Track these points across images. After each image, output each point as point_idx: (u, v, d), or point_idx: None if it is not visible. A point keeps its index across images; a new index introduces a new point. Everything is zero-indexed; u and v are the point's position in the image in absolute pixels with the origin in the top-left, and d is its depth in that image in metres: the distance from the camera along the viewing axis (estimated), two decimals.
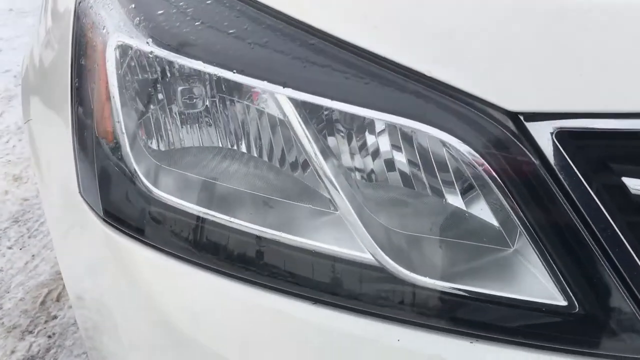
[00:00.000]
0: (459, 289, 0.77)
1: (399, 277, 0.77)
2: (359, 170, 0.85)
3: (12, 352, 2.31)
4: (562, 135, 0.71)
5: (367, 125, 0.83)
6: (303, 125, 0.79)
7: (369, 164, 0.86)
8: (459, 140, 0.73)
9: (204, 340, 0.88)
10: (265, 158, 0.92)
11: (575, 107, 0.69)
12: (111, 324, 1.00)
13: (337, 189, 0.79)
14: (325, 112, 0.84)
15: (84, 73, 0.97)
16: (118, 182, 0.91)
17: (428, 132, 0.74)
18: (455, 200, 0.84)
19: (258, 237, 0.84)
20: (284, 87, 0.79)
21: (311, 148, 0.79)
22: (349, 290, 0.79)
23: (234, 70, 0.81)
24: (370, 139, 0.85)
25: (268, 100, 0.85)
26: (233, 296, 0.86)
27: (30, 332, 2.42)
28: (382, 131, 0.83)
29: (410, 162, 0.84)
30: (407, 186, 0.86)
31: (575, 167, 0.71)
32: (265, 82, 0.80)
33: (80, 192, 0.97)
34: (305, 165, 0.88)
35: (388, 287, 0.78)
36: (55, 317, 2.49)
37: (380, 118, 0.75)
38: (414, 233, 0.80)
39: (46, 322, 2.48)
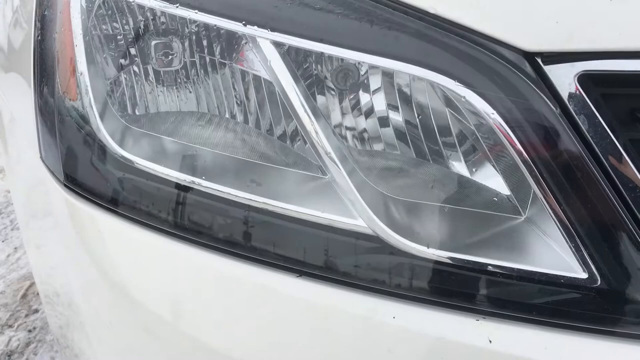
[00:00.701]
0: (464, 260, 0.67)
1: (396, 247, 0.67)
2: (350, 129, 0.76)
3: None
4: (586, 80, 0.61)
5: (361, 81, 0.73)
6: (290, 77, 0.69)
7: (362, 123, 0.77)
8: (464, 87, 0.63)
9: (184, 326, 0.77)
10: (249, 122, 0.82)
11: (603, 45, 0.59)
12: (75, 314, 0.90)
13: (326, 151, 0.69)
14: (312, 67, 0.74)
15: (46, 23, 0.87)
16: (82, 145, 0.81)
17: (432, 79, 0.65)
18: (459, 165, 0.74)
19: (240, 205, 0.74)
20: (269, 31, 0.69)
21: (299, 104, 0.69)
22: (338, 261, 0.69)
23: (210, 11, 0.71)
24: (364, 97, 0.76)
25: (251, 51, 0.75)
26: (216, 270, 0.75)
27: (10, 326, 2.33)
28: (378, 88, 0.74)
29: (408, 122, 0.75)
30: (404, 150, 0.76)
31: (601, 117, 0.61)
32: (243, 25, 0.70)
33: (41, 156, 0.86)
34: (293, 128, 0.78)
35: (383, 259, 0.68)
36: (36, 310, 2.39)
37: (374, 63, 0.65)
38: (413, 200, 0.70)
39: (27, 315, 2.38)
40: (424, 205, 0.71)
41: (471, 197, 0.73)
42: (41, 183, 0.88)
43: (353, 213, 0.70)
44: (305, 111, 0.70)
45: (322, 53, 0.68)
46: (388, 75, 0.72)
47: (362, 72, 0.75)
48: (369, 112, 0.77)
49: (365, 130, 0.78)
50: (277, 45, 0.71)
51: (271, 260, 0.70)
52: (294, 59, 0.73)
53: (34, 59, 0.89)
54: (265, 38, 0.70)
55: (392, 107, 0.75)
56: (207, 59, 0.83)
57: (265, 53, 0.71)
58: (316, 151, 0.72)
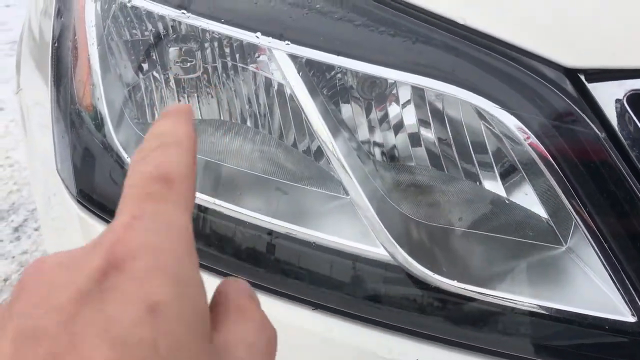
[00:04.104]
0: (496, 297, 0.60)
1: (420, 279, 0.61)
2: (378, 145, 0.70)
3: None
4: (636, 100, 0.53)
5: (387, 92, 0.67)
6: (307, 91, 0.64)
7: (390, 139, 0.71)
8: (499, 107, 0.57)
9: None
10: (271, 133, 0.78)
11: None
12: None
13: (346, 169, 0.64)
14: (337, 76, 0.68)
15: (63, 30, 0.84)
16: (96, 158, 0.78)
17: (460, 97, 0.58)
18: (493, 185, 0.67)
19: (254, 226, 0.70)
20: (282, 41, 0.64)
21: (317, 120, 0.64)
22: (356, 293, 0.63)
23: (222, 20, 0.66)
24: (392, 110, 0.70)
25: (271, 61, 0.70)
26: None
27: None
28: (407, 101, 0.68)
29: (440, 139, 0.68)
30: (435, 167, 0.70)
31: None
32: (258, 35, 0.65)
33: (57, 168, 0.83)
34: (313, 141, 0.73)
35: (405, 292, 0.62)
36: None
37: (396, 78, 0.59)
38: (441, 225, 0.64)
39: None
40: (452, 231, 0.64)
41: (506, 221, 0.66)
42: (58, 193, 0.85)
43: (373, 239, 0.65)
44: (323, 128, 0.65)
45: (343, 70, 0.62)
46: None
47: (389, 82, 0.69)
48: (397, 126, 0.71)
49: (392, 144, 0.72)
50: (293, 57, 0.65)
51: (283, 290, 0.65)
52: (315, 67, 0.67)
53: (51, 67, 0.86)
54: (280, 50, 0.64)
55: (422, 121, 0.69)
56: (229, 64, 0.78)
57: (281, 65, 0.66)
58: (335, 169, 0.66)
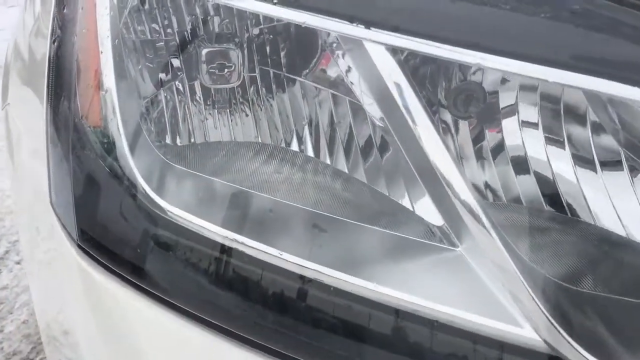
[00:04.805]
0: None
1: None
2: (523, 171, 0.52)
3: None
4: None
5: (491, 106, 0.50)
6: (417, 100, 0.45)
7: (494, 166, 0.53)
8: None
9: None
10: (327, 159, 0.60)
11: None
12: None
13: (470, 208, 0.44)
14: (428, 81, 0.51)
15: (65, 23, 0.64)
16: (105, 191, 0.58)
17: None
18: None
19: (306, 280, 0.50)
20: (389, 32, 0.45)
21: (435, 144, 0.45)
22: None
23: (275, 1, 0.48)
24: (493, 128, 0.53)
25: (341, 61, 0.52)
26: None
27: None
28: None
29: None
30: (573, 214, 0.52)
31: None
32: (342, 22, 0.46)
33: (51, 201, 0.63)
34: (394, 168, 0.55)
35: None
36: None
37: (573, 83, 0.40)
38: (610, 295, 0.45)
39: None
40: (629, 304, 0.45)
41: None
42: (51, 233, 0.65)
43: (506, 312, 0.45)
44: (439, 149, 0.46)
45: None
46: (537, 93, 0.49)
47: (489, 92, 0.51)
48: (509, 153, 0.53)
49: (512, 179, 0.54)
50: (395, 52, 0.46)
51: None
52: (416, 66, 0.49)
53: (48, 71, 0.66)
54: (379, 43, 0.45)
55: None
56: (272, 73, 0.60)
57: (377, 63, 0.47)
58: (448, 208, 0.48)
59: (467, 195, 0.48)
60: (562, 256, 0.50)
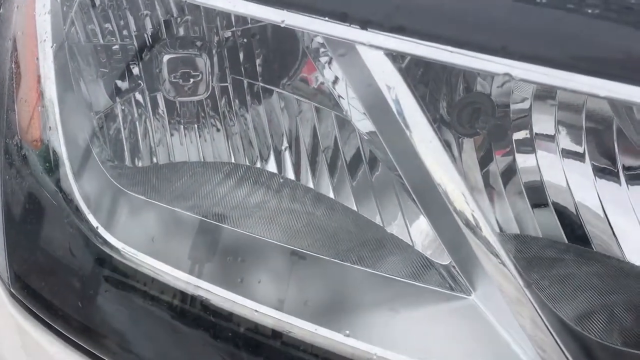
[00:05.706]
0: None
1: None
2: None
3: None
4: None
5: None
6: (422, 115, 0.37)
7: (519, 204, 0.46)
8: None
9: None
10: (309, 182, 0.52)
11: None
12: None
13: (492, 250, 0.36)
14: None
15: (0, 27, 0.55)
16: (43, 225, 0.49)
17: None
18: None
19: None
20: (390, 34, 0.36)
21: (446, 164, 0.36)
22: None
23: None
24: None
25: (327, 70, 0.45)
26: None
27: None
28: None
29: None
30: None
31: None
32: (330, 22, 0.37)
33: None
34: (389, 194, 0.48)
35: None
36: None
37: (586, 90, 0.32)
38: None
39: None
40: None
41: None
42: None
43: None
44: (449, 172, 0.38)
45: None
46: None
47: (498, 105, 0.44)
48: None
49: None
50: (395, 59, 0.38)
51: None
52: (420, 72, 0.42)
53: None
54: (377, 47, 0.37)
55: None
56: (246, 82, 0.54)
57: (373, 71, 0.38)
58: (455, 242, 0.40)
59: (483, 225, 0.39)
60: (587, 301, 0.42)
